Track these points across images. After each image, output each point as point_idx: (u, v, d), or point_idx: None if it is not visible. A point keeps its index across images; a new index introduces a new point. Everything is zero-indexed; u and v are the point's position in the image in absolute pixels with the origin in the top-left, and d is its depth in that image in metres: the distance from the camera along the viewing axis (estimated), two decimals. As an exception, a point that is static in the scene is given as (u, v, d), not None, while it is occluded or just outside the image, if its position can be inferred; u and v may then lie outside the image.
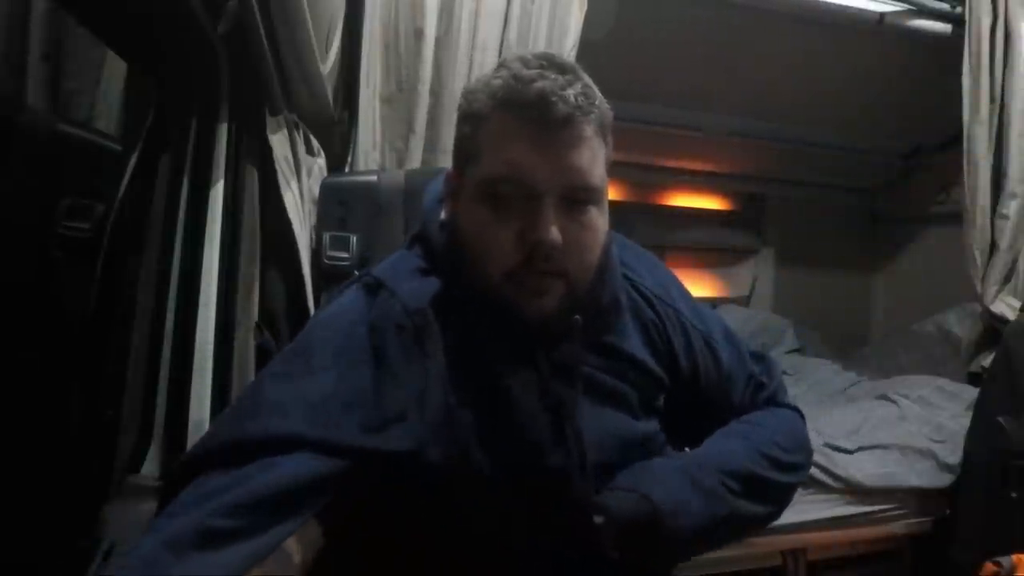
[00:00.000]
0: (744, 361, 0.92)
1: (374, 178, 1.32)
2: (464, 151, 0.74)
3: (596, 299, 0.77)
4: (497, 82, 0.70)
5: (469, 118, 0.74)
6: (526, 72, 0.68)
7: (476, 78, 0.83)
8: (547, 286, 0.71)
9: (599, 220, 0.74)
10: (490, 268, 0.71)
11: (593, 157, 0.72)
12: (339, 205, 1.29)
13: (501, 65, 0.73)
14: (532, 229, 0.69)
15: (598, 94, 0.73)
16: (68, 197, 1.34)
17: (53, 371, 1.26)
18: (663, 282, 0.89)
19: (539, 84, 0.67)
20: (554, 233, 0.68)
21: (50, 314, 1.30)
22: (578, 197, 0.71)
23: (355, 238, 1.26)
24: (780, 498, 0.88)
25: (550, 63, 0.70)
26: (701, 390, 0.88)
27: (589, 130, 0.71)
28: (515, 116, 0.69)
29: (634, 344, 0.82)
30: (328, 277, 1.23)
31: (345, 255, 1.25)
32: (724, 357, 0.89)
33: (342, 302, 0.81)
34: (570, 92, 0.68)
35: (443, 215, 0.80)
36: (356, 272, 1.20)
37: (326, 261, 1.25)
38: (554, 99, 0.67)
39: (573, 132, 0.69)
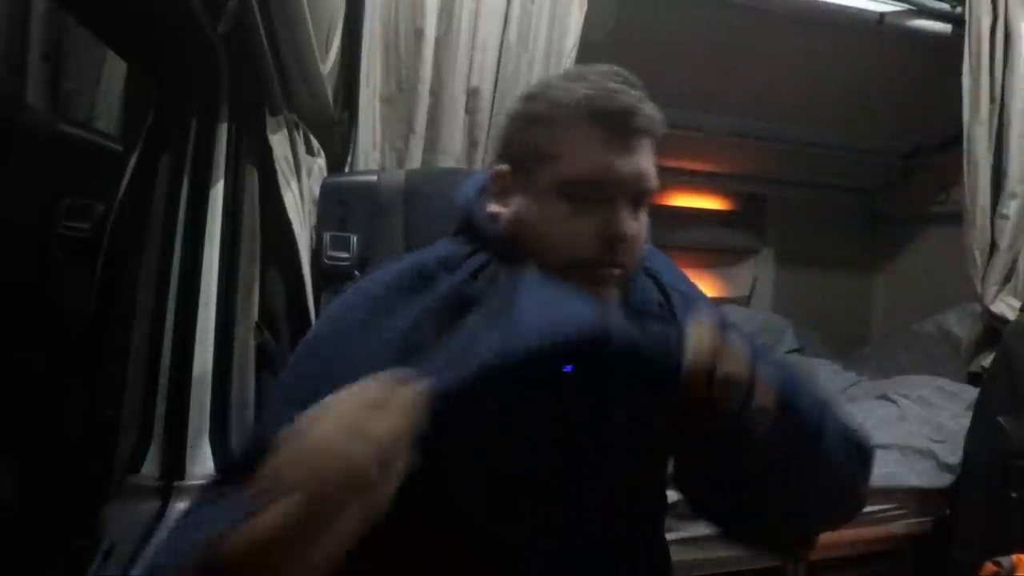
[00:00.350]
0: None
1: (374, 178, 1.32)
2: (535, 152, 0.80)
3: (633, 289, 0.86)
4: (580, 92, 0.78)
5: (542, 121, 0.80)
6: (611, 85, 0.78)
7: (540, 83, 0.87)
8: (608, 276, 0.79)
9: (646, 223, 0.84)
10: (560, 256, 0.78)
11: (652, 164, 0.82)
12: (339, 205, 1.29)
13: (578, 75, 0.81)
14: (611, 226, 0.77)
15: (657, 108, 0.81)
16: (68, 197, 1.34)
17: (53, 371, 1.26)
18: (678, 276, 0.99)
19: (624, 98, 0.77)
20: (632, 228, 0.78)
21: (50, 314, 1.30)
22: (641, 200, 0.81)
23: (355, 238, 1.26)
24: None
25: (625, 79, 0.79)
26: None
27: (653, 141, 0.81)
28: (602, 125, 0.77)
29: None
30: (328, 277, 1.23)
31: (345, 255, 1.25)
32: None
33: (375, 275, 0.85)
34: (647, 108, 0.78)
35: (491, 208, 0.85)
36: (357, 272, 1.21)
37: (326, 261, 1.25)
38: (636, 113, 0.77)
39: (646, 143, 0.79)
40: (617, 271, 0.79)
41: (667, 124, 0.81)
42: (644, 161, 0.79)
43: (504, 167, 0.84)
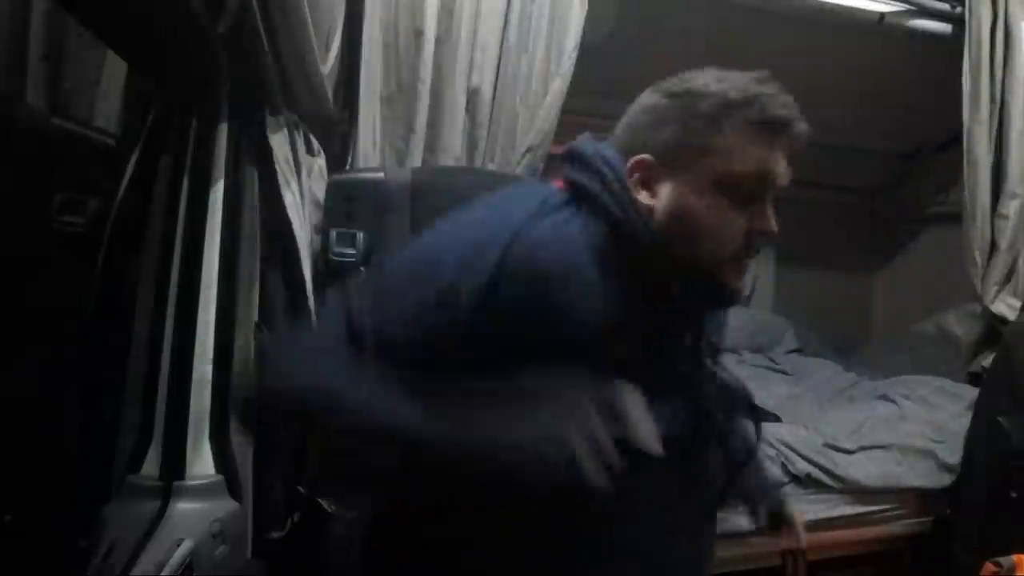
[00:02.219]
0: None
1: (381, 175, 1.32)
2: (691, 144, 0.84)
3: None
4: (751, 93, 0.84)
5: (711, 118, 0.84)
6: (782, 97, 0.85)
7: (684, 79, 0.89)
8: (747, 268, 0.87)
9: None
10: (718, 249, 0.83)
11: None
12: (346, 201, 1.29)
13: (741, 78, 0.85)
14: (765, 221, 0.83)
15: None
16: (62, 192, 1.34)
17: (52, 370, 1.26)
18: None
19: (786, 105, 0.84)
20: (774, 225, 0.84)
21: (46, 310, 1.30)
22: (775, 199, 0.87)
23: (361, 234, 1.26)
24: None
25: (778, 87, 0.85)
26: None
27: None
28: (772, 126, 0.83)
29: None
30: (334, 273, 1.24)
31: (351, 251, 1.25)
32: None
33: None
34: (799, 117, 0.85)
35: (641, 198, 0.86)
36: (362, 268, 1.21)
37: (332, 257, 1.25)
38: (795, 119, 0.84)
39: (797, 148, 0.86)
40: (750, 264, 0.87)
41: None
42: (786, 164, 0.87)
43: (648, 157, 0.85)
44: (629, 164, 0.87)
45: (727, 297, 0.87)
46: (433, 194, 1.29)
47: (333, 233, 1.26)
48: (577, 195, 0.87)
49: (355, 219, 1.28)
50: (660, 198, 0.84)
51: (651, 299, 0.83)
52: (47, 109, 1.48)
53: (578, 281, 0.79)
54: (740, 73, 0.87)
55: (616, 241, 0.83)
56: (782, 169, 0.85)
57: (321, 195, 1.34)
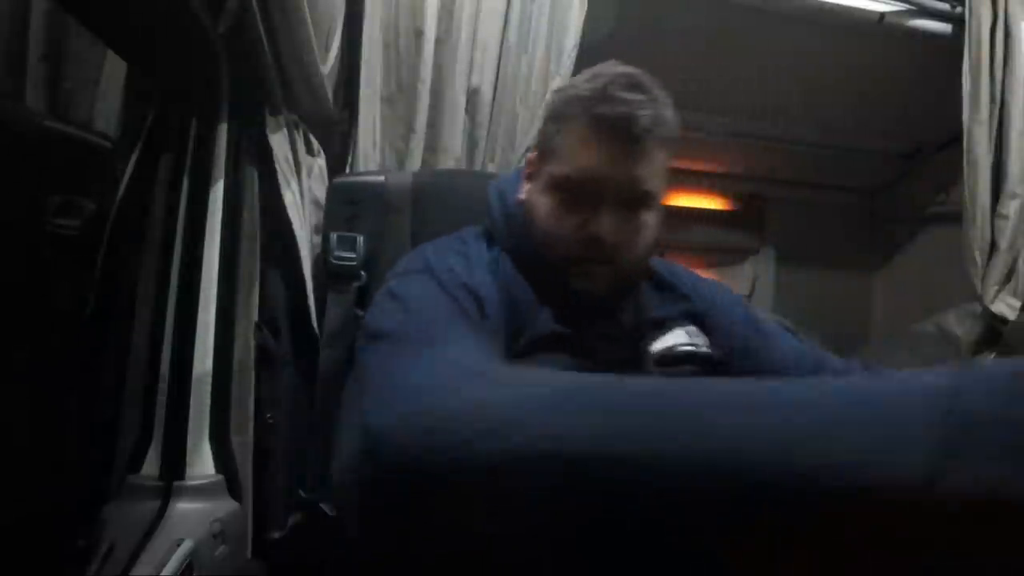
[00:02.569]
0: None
1: (382, 178, 1.32)
2: (548, 145, 0.85)
3: (635, 281, 0.90)
4: (587, 93, 0.81)
5: (557, 118, 0.84)
6: (616, 92, 0.79)
7: (569, 82, 0.91)
8: (598, 273, 0.83)
9: (651, 224, 0.85)
10: (553, 250, 0.83)
11: (653, 169, 0.82)
12: (347, 205, 1.29)
13: (595, 75, 0.83)
14: (590, 224, 0.80)
15: (668, 113, 0.83)
16: (57, 194, 1.34)
17: (52, 372, 1.26)
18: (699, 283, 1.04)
19: (623, 103, 0.78)
20: (610, 231, 0.80)
21: (42, 312, 1.29)
22: (635, 201, 0.82)
23: (362, 238, 1.26)
24: None
25: (634, 85, 0.81)
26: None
27: (654, 147, 0.81)
28: (596, 128, 0.80)
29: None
30: (335, 277, 1.23)
31: (352, 255, 1.25)
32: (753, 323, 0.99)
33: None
34: (645, 114, 0.79)
35: (521, 192, 0.90)
36: (363, 272, 1.21)
37: (333, 261, 1.25)
38: (632, 120, 0.78)
39: (641, 149, 0.80)
40: (603, 267, 0.82)
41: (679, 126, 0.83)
42: (636, 166, 0.80)
43: (533, 153, 0.89)
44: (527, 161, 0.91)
45: (577, 297, 0.83)
46: (434, 197, 1.30)
47: (334, 237, 1.26)
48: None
49: (356, 223, 1.28)
50: (528, 192, 0.87)
51: (535, 289, 0.83)
52: (46, 109, 1.48)
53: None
54: (611, 69, 0.83)
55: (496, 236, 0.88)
56: (622, 171, 0.79)
57: (321, 195, 1.34)
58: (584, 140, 0.80)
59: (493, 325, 0.76)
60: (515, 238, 0.88)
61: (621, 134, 0.79)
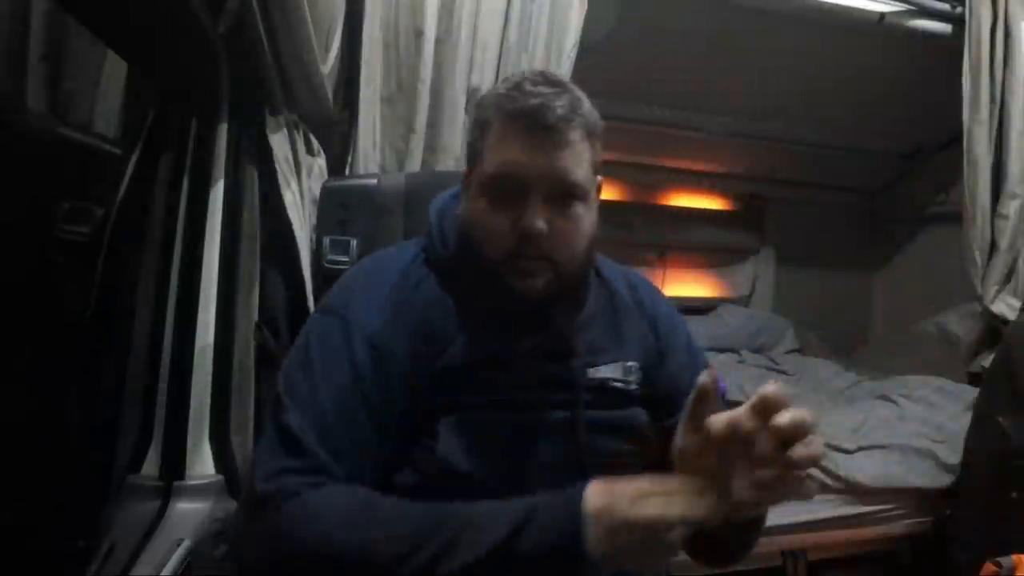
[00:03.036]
0: None
1: (374, 181, 1.32)
2: (473, 153, 0.87)
3: (578, 287, 0.90)
4: (501, 94, 0.83)
5: (478, 124, 0.86)
6: (526, 87, 0.81)
7: (488, 90, 0.94)
8: (535, 269, 0.83)
9: (585, 216, 0.85)
10: (488, 252, 0.83)
11: (577, 159, 0.83)
12: (339, 208, 1.29)
13: (509, 78, 0.86)
14: (521, 219, 0.80)
15: (585, 104, 0.85)
16: (67, 201, 1.34)
17: (53, 373, 1.26)
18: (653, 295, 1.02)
19: (536, 97, 0.80)
20: (540, 223, 0.80)
21: (50, 317, 1.30)
22: (563, 193, 0.83)
23: (355, 241, 1.26)
24: None
25: (546, 80, 0.83)
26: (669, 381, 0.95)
27: (574, 136, 0.82)
28: (512, 123, 0.81)
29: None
30: (329, 280, 1.23)
31: (345, 258, 1.25)
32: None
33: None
34: (559, 103, 0.80)
35: (458, 209, 0.91)
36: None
37: (326, 264, 1.25)
38: (545, 109, 0.79)
39: (559, 137, 0.81)
40: (541, 263, 0.83)
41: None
42: (558, 154, 0.81)
43: (467, 168, 0.90)
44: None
45: (515, 299, 0.83)
46: (427, 199, 1.29)
47: (327, 240, 1.25)
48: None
49: (349, 226, 1.27)
50: (462, 205, 0.89)
51: (466, 306, 0.85)
52: (47, 109, 1.48)
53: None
54: (522, 72, 0.87)
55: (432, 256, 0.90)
56: (543, 163, 0.81)
57: (321, 195, 1.34)
58: (503, 138, 0.82)
59: (383, 395, 0.81)
60: (450, 256, 0.90)
61: (536, 125, 0.80)
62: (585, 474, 0.76)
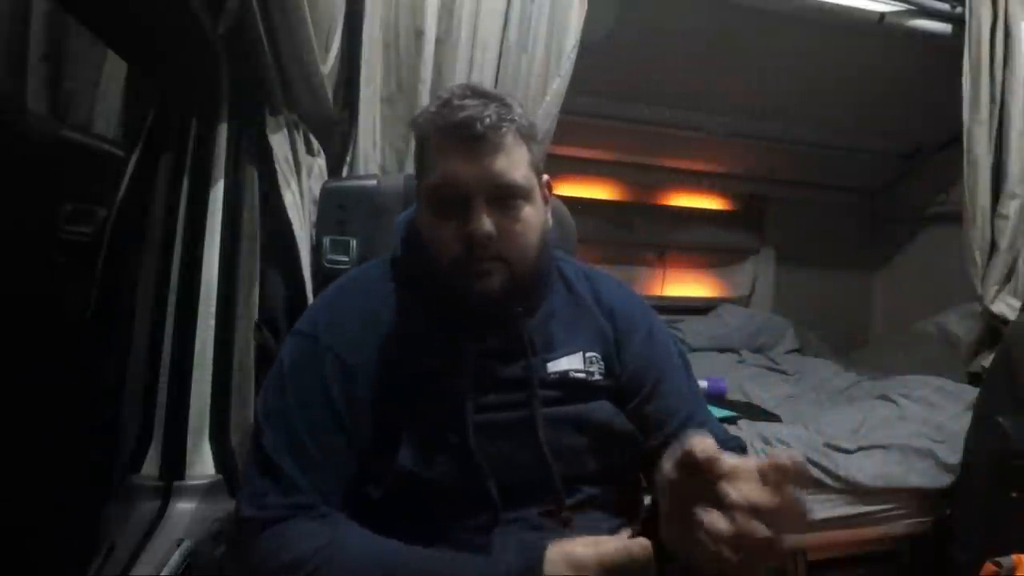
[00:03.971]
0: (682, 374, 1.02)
1: (374, 182, 1.32)
2: (418, 169, 0.92)
3: (535, 284, 0.93)
4: (433, 112, 0.88)
5: (418, 142, 0.92)
6: (454, 102, 0.86)
7: (420, 110, 0.97)
8: (488, 268, 0.86)
9: (531, 214, 0.89)
10: (440, 259, 0.87)
11: (513, 162, 0.87)
12: (339, 209, 1.29)
13: (437, 97, 0.91)
14: (466, 225, 0.84)
15: (516, 110, 0.89)
16: (70, 202, 1.34)
17: (54, 373, 1.26)
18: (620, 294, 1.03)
19: (464, 110, 0.84)
20: (485, 225, 0.84)
21: (51, 318, 1.30)
22: (504, 194, 0.86)
23: (355, 241, 1.26)
24: None
25: (474, 92, 0.88)
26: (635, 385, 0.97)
27: (506, 140, 0.86)
28: (447, 135, 0.86)
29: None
30: (328, 280, 1.23)
31: (345, 258, 1.25)
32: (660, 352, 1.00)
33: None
34: (487, 112, 0.84)
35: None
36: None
37: (326, 264, 1.25)
38: (474, 121, 0.83)
39: (491, 144, 0.85)
40: (493, 263, 0.86)
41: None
42: (493, 159, 0.85)
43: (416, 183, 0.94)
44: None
45: (473, 301, 0.87)
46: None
47: (327, 240, 1.26)
48: None
49: (348, 226, 1.28)
50: (416, 218, 0.93)
51: (428, 314, 0.89)
52: (47, 109, 1.48)
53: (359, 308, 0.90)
54: (452, 87, 0.91)
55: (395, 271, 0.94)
56: (479, 168, 0.85)
57: (321, 195, 1.34)
58: (440, 150, 0.86)
59: (353, 410, 0.85)
60: (410, 266, 0.94)
61: (467, 136, 0.84)
62: (548, 472, 0.84)
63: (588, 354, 0.94)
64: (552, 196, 0.99)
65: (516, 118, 0.87)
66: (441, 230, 0.86)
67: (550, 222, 0.96)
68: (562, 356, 0.92)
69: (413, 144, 1.52)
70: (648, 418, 0.94)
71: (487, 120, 0.84)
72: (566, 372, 0.91)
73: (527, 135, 0.89)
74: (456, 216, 0.85)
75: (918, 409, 2.08)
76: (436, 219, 0.87)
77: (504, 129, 0.86)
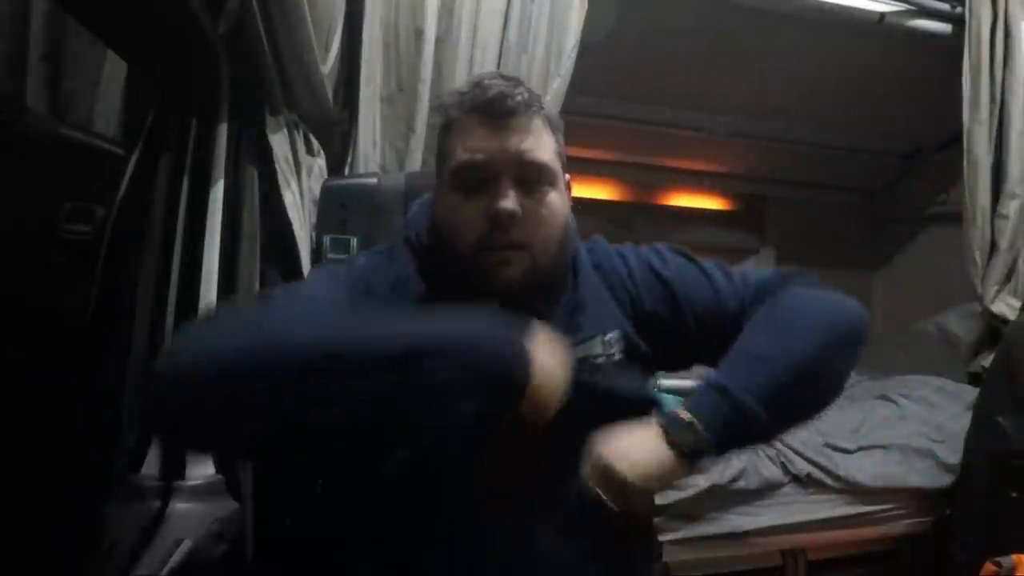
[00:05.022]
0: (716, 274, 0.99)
1: (374, 181, 1.32)
2: (442, 154, 0.90)
3: (557, 276, 0.91)
4: (462, 91, 0.87)
5: (442, 127, 0.90)
6: (485, 82, 0.86)
7: (448, 92, 0.98)
8: (510, 257, 0.84)
9: (556, 200, 0.87)
10: (462, 242, 0.84)
11: (541, 144, 0.86)
12: (339, 208, 1.29)
13: (466, 82, 0.90)
14: (493, 202, 0.82)
15: (543, 100, 0.89)
16: (69, 201, 1.34)
17: (54, 373, 1.26)
18: (624, 252, 1.01)
19: (495, 88, 0.84)
20: (511, 203, 0.82)
21: (51, 317, 1.30)
22: (531, 177, 0.85)
23: (355, 240, 1.26)
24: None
25: (503, 77, 0.88)
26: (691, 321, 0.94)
27: (536, 123, 0.86)
28: (477, 114, 0.85)
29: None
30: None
31: (345, 257, 1.25)
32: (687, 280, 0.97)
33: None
34: (517, 92, 0.84)
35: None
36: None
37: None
38: (505, 97, 0.83)
39: (522, 122, 0.85)
40: (515, 251, 0.84)
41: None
42: (522, 139, 0.85)
43: (437, 173, 0.92)
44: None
45: (493, 291, 0.84)
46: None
47: (327, 239, 1.25)
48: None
49: (349, 225, 1.28)
50: (434, 208, 0.92)
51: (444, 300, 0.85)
52: (47, 109, 1.48)
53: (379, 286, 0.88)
54: (479, 74, 0.93)
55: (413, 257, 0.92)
56: (510, 145, 0.84)
57: (321, 195, 1.34)
58: (470, 128, 0.85)
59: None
60: (424, 257, 0.92)
61: (499, 111, 0.84)
62: (575, 458, 0.80)
63: (607, 337, 0.92)
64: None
65: (547, 105, 0.88)
66: (463, 211, 0.84)
67: (573, 219, 0.94)
68: (584, 340, 0.90)
69: (412, 143, 1.53)
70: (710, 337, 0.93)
71: (518, 98, 0.84)
72: (584, 358, 0.89)
73: (554, 125, 0.90)
74: (480, 196, 0.83)
75: (918, 409, 2.08)
76: (460, 198, 0.85)
77: (535, 109, 0.86)
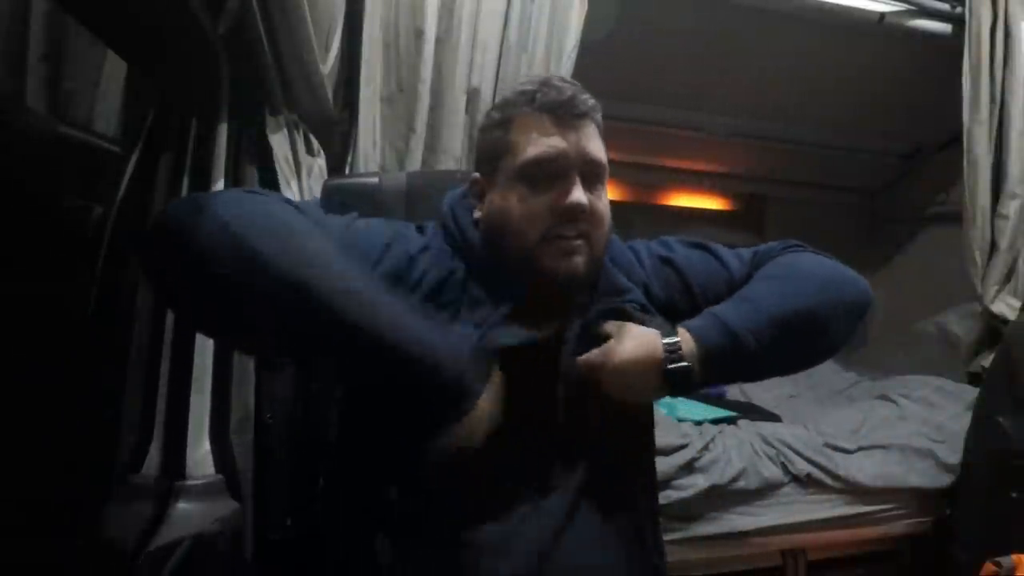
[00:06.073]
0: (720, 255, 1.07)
1: (376, 180, 1.32)
2: (495, 151, 0.93)
3: (599, 269, 0.95)
4: (529, 90, 0.91)
5: (502, 123, 0.92)
6: (554, 82, 0.91)
7: (502, 93, 1.03)
8: (575, 247, 0.88)
9: (606, 198, 0.94)
10: (529, 234, 0.88)
11: (600, 146, 0.93)
12: (340, 207, 1.28)
13: (527, 82, 0.94)
14: (566, 195, 0.87)
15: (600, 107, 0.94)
16: (69, 200, 1.34)
17: (54, 373, 1.26)
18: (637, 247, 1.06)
19: (565, 91, 0.90)
20: (584, 197, 0.87)
21: (51, 317, 1.30)
22: (593, 175, 0.91)
23: None
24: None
25: (562, 78, 0.94)
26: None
27: (595, 127, 0.93)
28: (549, 112, 0.89)
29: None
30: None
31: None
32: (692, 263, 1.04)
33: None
34: (586, 95, 0.91)
35: (475, 214, 0.96)
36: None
37: None
38: (577, 100, 0.89)
39: (588, 125, 0.91)
40: (580, 242, 0.88)
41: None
42: (588, 140, 0.90)
43: (476, 175, 0.96)
44: (468, 184, 0.98)
45: (552, 279, 0.88)
46: (428, 199, 1.29)
47: (327, 239, 1.25)
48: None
49: None
50: (484, 207, 0.94)
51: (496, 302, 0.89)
52: (47, 109, 1.48)
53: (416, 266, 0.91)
54: (537, 75, 0.96)
55: (458, 255, 0.93)
56: (578, 144, 0.89)
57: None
58: (540, 124, 0.89)
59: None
60: (470, 247, 0.94)
61: (571, 111, 0.89)
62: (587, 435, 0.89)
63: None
64: None
65: (595, 103, 0.93)
66: (531, 205, 0.88)
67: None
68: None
69: (412, 143, 1.53)
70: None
71: (590, 102, 0.91)
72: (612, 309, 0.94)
73: (602, 131, 0.95)
74: (548, 191, 0.87)
75: (918, 409, 2.08)
76: (526, 195, 0.88)
77: (597, 116, 0.93)
